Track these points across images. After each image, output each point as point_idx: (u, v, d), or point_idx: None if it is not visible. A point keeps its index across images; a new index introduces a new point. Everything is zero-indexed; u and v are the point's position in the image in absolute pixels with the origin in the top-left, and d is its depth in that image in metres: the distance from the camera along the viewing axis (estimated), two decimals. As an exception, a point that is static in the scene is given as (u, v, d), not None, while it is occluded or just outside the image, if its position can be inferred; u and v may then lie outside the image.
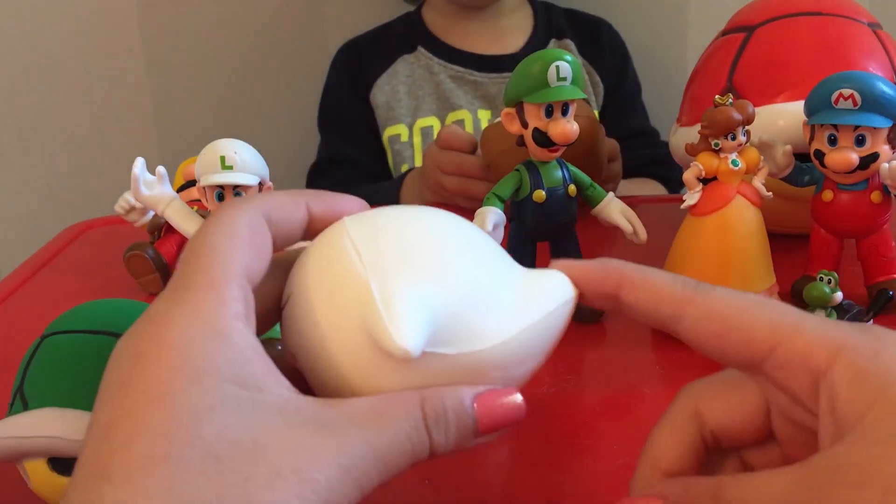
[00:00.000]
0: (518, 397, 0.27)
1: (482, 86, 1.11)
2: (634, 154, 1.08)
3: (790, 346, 0.25)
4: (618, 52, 1.16)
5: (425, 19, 1.16)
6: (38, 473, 0.32)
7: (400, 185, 0.95)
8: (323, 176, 1.14)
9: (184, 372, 0.23)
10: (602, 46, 1.15)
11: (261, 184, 0.48)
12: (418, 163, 1.11)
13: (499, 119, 0.59)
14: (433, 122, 1.12)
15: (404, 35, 1.15)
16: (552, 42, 1.15)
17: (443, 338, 0.26)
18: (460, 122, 1.11)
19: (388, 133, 1.12)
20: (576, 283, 0.29)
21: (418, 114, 1.12)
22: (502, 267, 0.29)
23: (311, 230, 0.30)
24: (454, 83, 1.12)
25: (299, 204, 0.29)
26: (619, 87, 1.15)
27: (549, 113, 0.47)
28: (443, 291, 0.26)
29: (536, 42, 1.14)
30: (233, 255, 0.26)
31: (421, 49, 1.14)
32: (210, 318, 0.24)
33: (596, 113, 1.06)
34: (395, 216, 0.29)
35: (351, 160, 1.13)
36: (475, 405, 0.26)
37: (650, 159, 1.10)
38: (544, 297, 0.28)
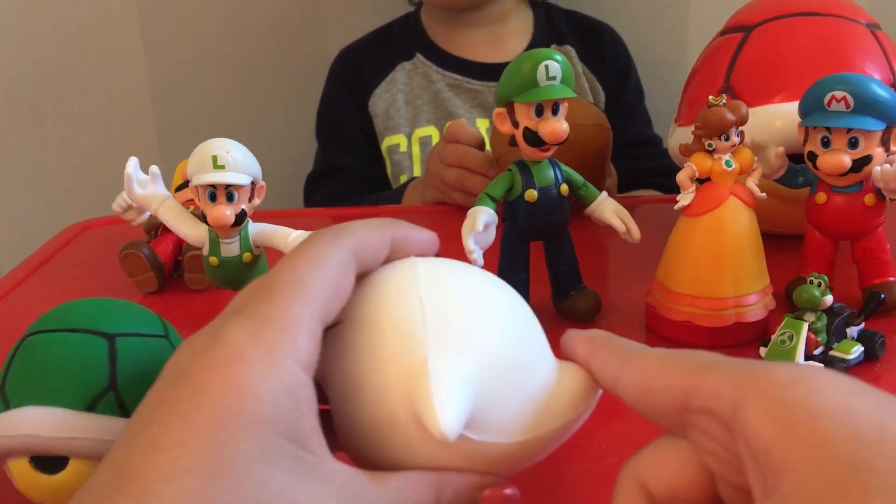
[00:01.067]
0: (517, 493, 0.28)
1: (480, 94, 1.09)
2: (637, 164, 1.05)
3: (702, 388, 0.24)
4: (620, 57, 1.14)
5: (423, 24, 1.13)
6: (21, 472, 0.32)
7: (403, 190, 0.94)
8: (321, 186, 1.12)
9: (242, 417, 0.24)
10: (604, 53, 1.12)
11: (253, 183, 0.48)
12: (417, 173, 1.09)
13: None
14: (431, 132, 1.09)
15: (403, 40, 1.13)
16: (552, 48, 1.13)
17: (474, 422, 0.26)
18: None
19: (386, 143, 1.11)
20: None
21: (417, 123, 1.10)
22: (543, 355, 0.29)
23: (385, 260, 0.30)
24: (452, 92, 1.10)
25: (384, 239, 0.30)
26: (622, 94, 1.13)
27: (540, 112, 0.47)
28: (490, 377, 0.27)
29: (536, 47, 1.11)
30: (316, 294, 0.26)
31: (419, 56, 1.11)
32: (279, 365, 0.25)
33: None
34: (467, 282, 0.29)
35: (349, 170, 1.11)
36: (482, 500, 0.27)
37: (653, 170, 1.07)
38: (574, 400, 0.29)
